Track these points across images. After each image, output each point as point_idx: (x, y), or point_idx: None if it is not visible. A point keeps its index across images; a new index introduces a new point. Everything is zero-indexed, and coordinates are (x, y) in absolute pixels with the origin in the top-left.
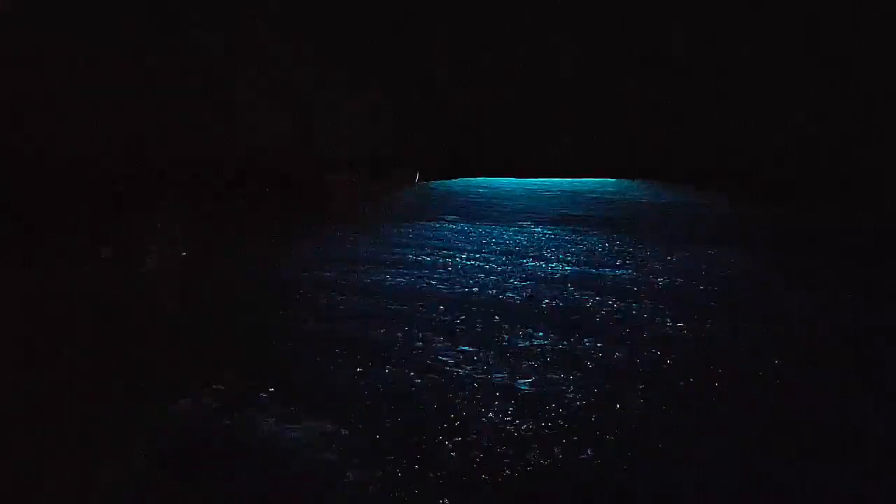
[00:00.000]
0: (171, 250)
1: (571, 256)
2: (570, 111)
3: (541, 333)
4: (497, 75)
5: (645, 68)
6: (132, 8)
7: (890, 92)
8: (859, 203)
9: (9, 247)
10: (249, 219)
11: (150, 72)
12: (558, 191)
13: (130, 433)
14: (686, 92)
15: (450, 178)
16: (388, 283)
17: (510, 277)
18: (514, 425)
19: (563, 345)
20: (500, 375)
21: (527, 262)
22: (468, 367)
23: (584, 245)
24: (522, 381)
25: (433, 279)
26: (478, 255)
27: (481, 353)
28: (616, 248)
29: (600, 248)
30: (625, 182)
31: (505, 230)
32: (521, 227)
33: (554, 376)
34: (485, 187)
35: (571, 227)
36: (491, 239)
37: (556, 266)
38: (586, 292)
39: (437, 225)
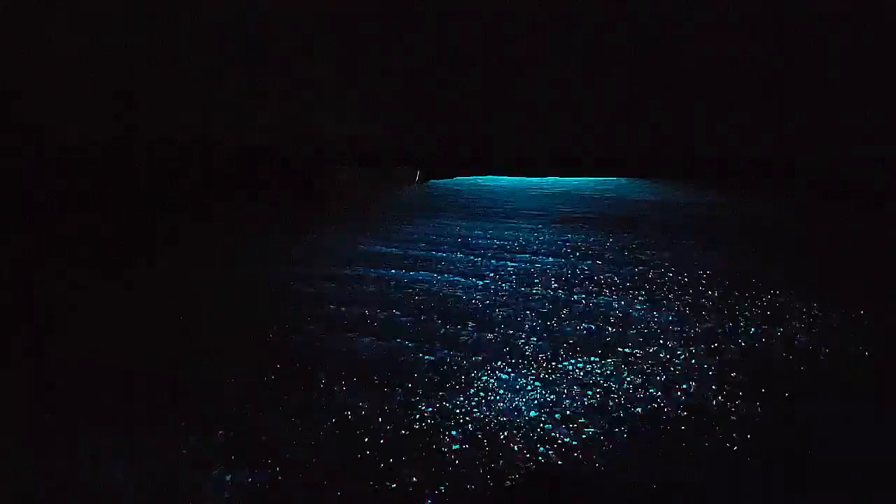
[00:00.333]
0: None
1: (571, 255)
2: (571, 111)
3: (541, 334)
4: (497, 75)
5: (645, 67)
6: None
7: (890, 92)
8: (859, 203)
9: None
10: (252, 217)
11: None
12: (559, 190)
13: None
14: (686, 91)
15: (450, 178)
16: (390, 280)
17: (510, 277)
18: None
19: (563, 345)
20: (502, 374)
21: (524, 260)
22: (466, 363)
23: (584, 244)
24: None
25: (433, 279)
26: (475, 253)
27: (482, 353)
28: (617, 245)
29: (600, 246)
30: (624, 181)
31: (504, 228)
32: (519, 225)
33: (553, 376)
34: (485, 186)
35: (572, 226)
36: (489, 237)
37: (552, 261)
38: (586, 291)
39: (437, 223)
